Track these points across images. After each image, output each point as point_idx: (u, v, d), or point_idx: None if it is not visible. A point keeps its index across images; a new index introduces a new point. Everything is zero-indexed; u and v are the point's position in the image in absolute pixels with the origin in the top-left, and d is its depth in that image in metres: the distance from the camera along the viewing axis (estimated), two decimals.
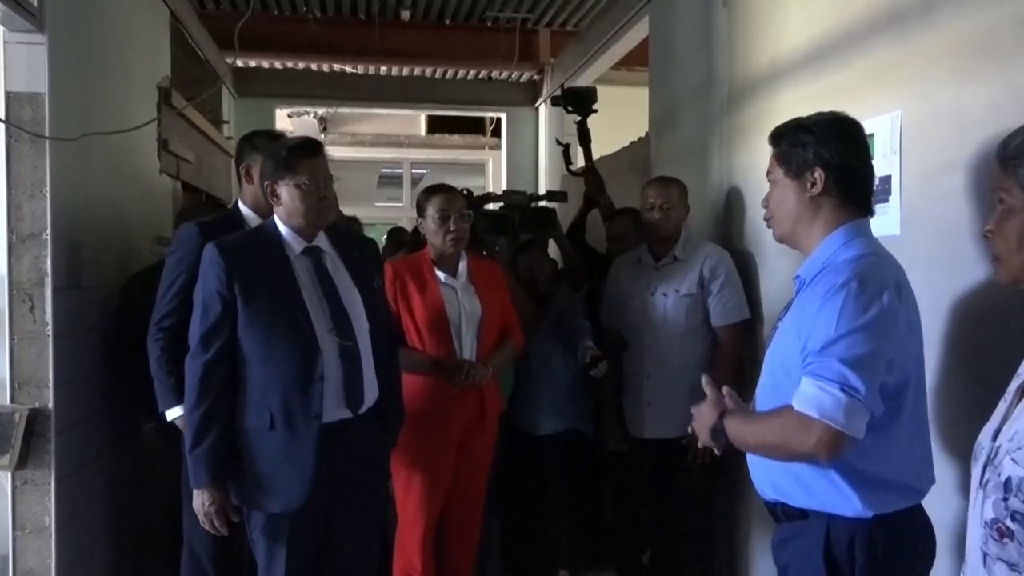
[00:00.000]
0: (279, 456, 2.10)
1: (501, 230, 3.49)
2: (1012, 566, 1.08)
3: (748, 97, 3.02)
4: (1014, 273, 1.23)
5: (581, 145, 4.03)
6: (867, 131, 2.18)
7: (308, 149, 2.16)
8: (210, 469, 2.09)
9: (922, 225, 2.01)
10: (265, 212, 2.55)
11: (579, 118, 4.01)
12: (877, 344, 1.47)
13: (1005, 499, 1.08)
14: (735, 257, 2.95)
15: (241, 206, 2.62)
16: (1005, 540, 1.08)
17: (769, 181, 1.75)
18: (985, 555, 1.13)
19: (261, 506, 2.14)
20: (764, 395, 1.73)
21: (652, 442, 2.92)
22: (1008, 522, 1.08)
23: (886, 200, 2.13)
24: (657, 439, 2.90)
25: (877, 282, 1.51)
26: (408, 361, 2.64)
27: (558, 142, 4.51)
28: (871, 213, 1.68)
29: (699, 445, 1.83)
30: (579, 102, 3.99)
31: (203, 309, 2.12)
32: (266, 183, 2.18)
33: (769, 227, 1.78)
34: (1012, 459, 1.09)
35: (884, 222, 2.14)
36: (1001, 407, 1.24)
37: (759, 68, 2.93)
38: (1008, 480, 1.08)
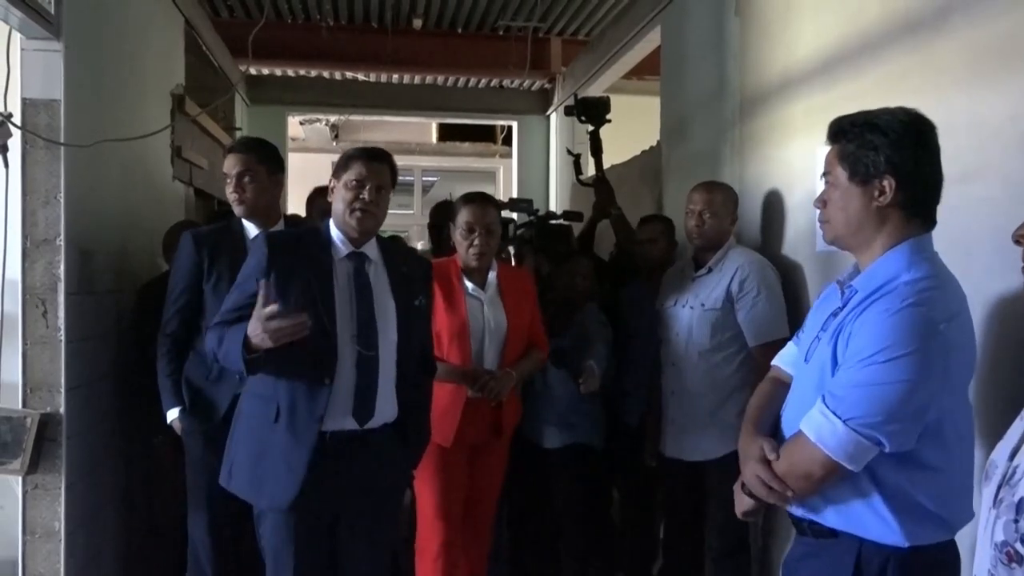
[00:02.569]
0: (276, 452, 2.08)
1: (504, 238, 3.49)
2: None
3: (760, 106, 3.01)
4: None
5: (593, 155, 4.01)
6: None
7: (365, 152, 2.20)
8: (237, 338, 1.95)
9: (937, 235, 1.98)
10: (263, 221, 2.61)
11: (592, 128, 4.00)
12: (915, 376, 1.37)
13: (1016, 521, 1.05)
14: None
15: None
16: (1013, 565, 1.05)
17: (825, 181, 1.57)
18: None
19: (250, 498, 2.15)
20: (799, 411, 1.57)
21: (669, 460, 2.82)
22: (1018, 545, 1.04)
23: None
24: (675, 459, 2.79)
25: (939, 311, 1.40)
26: None
27: (569, 152, 4.49)
28: (934, 226, 1.54)
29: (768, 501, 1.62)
30: (593, 112, 3.98)
31: (238, 290, 2.12)
32: (331, 180, 2.24)
33: (823, 229, 1.63)
34: None
35: None
36: (1018, 425, 1.21)
37: (771, 77, 2.92)
38: (1021, 501, 1.05)
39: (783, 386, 1.71)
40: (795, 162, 2.74)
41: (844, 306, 1.54)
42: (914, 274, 1.45)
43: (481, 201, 2.70)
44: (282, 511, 2.09)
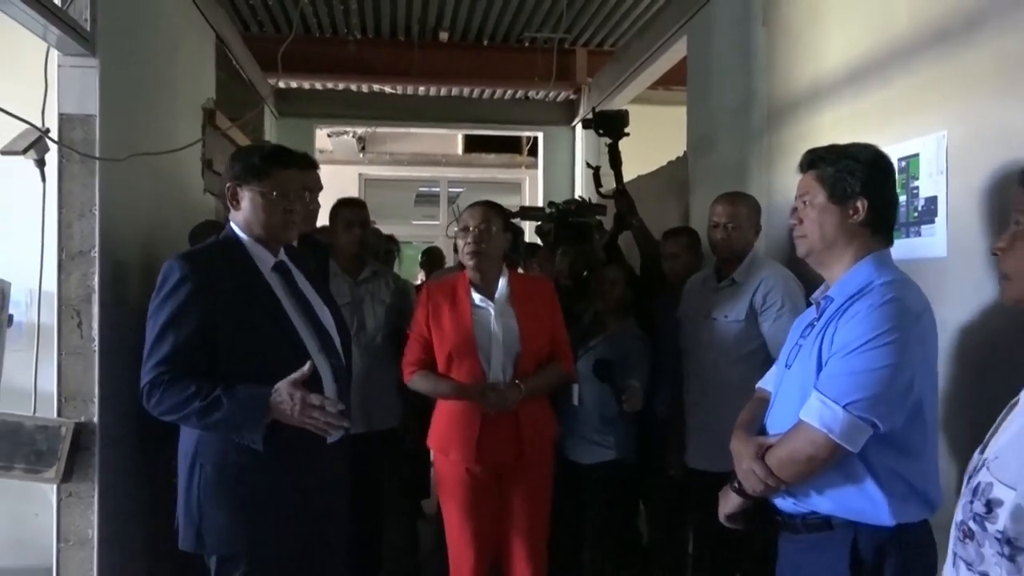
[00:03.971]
0: (277, 491, 1.94)
1: (514, 249, 3.49)
2: (969, 564, 1.12)
3: (788, 117, 2.99)
4: (1020, 293, 1.25)
5: (612, 168, 4.00)
6: (913, 151, 2.18)
7: (279, 157, 2.02)
8: (255, 406, 1.86)
9: (968, 247, 1.97)
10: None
11: (610, 141, 4.00)
12: (899, 360, 1.53)
13: (971, 502, 1.13)
14: None
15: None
16: (967, 540, 1.13)
17: (802, 201, 1.74)
18: (955, 555, 1.17)
19: (241, 552, 1.96)
20: (785, 410, 1.72)
21: (697, 472, 2.78)
22: (971, 523, 1.12)
23: (932, 221, 2.10)
24: (701, 470, 2.75)
25: (914, 304, 1.59)
26: (433, 386, 2.59)
27: (588, 165, 4.50)
28: (892, 243, 1.72)
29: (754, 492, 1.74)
30: (610, 125, 3.96)
31: (176, 329, 1.90)
32: (228, 184, 2.03)
33: (797, 243, 1.79)
34: (987, 467, 1.14)
35: (930, 243, 2.10)
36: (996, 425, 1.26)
37: (799, 88, 2.91)
38: (978, 485, 1.13)
39: (767, 403, 1.87)
40: None
41: (821, 316, 1.71)
42: (887, 277, 1.64)
43: (479, 204, 2.67)
44: (276, 552, 1.97)
